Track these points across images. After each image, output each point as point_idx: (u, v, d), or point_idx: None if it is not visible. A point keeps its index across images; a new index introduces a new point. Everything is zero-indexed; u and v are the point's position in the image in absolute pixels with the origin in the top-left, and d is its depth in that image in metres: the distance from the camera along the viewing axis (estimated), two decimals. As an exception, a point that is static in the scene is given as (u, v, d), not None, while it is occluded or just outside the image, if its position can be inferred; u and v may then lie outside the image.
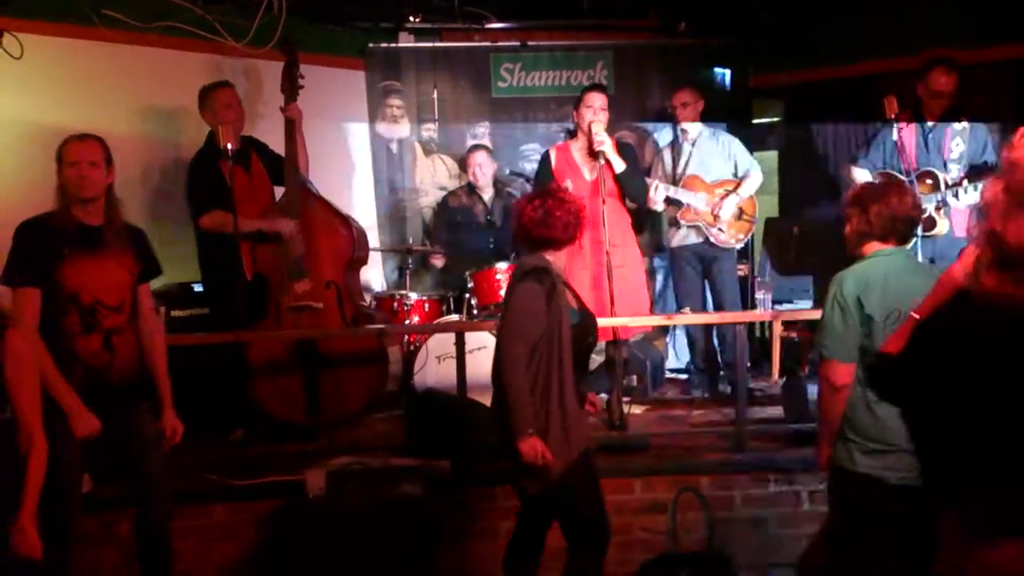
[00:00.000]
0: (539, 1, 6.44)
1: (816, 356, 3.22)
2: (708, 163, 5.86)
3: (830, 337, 3.08)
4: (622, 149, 5.11)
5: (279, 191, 5.31)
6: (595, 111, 5.00)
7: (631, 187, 5.12)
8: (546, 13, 6.64)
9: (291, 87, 5.24)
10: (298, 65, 5.28)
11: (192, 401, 4.89)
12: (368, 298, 5.96)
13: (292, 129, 5.19)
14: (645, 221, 6.69)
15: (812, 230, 6.00)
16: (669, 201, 5.81)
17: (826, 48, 6.50)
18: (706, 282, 5.91)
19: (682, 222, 5.84)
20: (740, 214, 5.79)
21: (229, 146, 4.71)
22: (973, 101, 5.56)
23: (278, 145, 5.29)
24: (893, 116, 5.05)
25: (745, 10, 6.56)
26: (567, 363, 3.41)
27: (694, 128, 5.91)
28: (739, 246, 5.86)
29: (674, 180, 5.86)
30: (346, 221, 5.35)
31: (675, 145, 5.98)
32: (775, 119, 7.22)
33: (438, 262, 6.24)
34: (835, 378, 3.09)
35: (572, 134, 5.44)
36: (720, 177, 5.84)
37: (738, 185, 5.80)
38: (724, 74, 6.93)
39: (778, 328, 5.83)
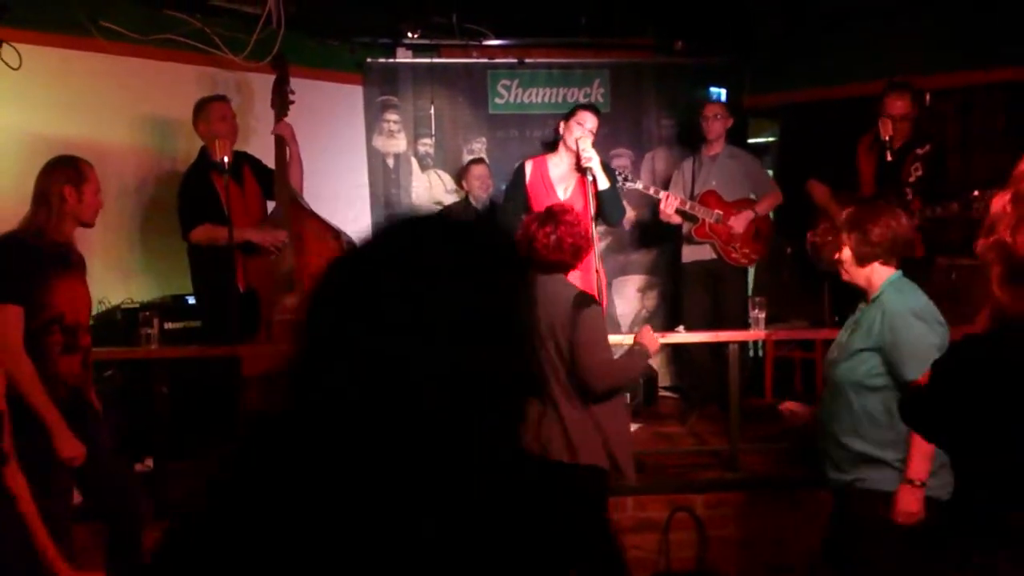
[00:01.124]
0: (537, 19, 6.46)
1: (880, 385, 3.10)
2: (727, 181, 5.84)
3: (928, 360, 2.96)
4: (606, 170, 5.08)
5: (271, 206, 5.31)
6: (585, 131, 4.97)
7: (611, 207, 5.03)
8: (544, 31, 6.67)
9: (281, 103, 5.23)
10: (288, 80, 5.27)
11: (184, 414, 4.91)
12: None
13: (282, 145, 5.19)
14: (655, 237, 6.73)
15: (805, 250, 6.00)
16: (684, 216, 5.80)
17: (822, 69, 6.54)
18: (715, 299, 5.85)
19: (695, 239, 5.84)
20: (756, 233, 5.79)
21: (225, 159, 4.73)
22: (969, 123, 5.60)
23: (271, 159, 5.30)
24: (888, 138, 5.06)
25: (742, 30, 6.59)
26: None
27: (716, 145, 5.90)
28: (752, 266, 5.83)
29: (691, 195, 5.85)
30: (337, 235, 5.34)
31: (696, 160, 5.97)
32: (770, 139, 7.26)
33: None
34: None
35: (552, 147, 5.40)
36: (739, 196, 5.84)
37: (756, 204, 5.81)
38: (720, 93, 6.95)
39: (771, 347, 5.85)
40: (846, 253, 3.17)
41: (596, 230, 4.89)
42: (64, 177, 3.51)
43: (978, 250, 1.89)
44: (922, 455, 3.00)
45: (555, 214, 3.64)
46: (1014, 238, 1.79)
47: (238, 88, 5.85)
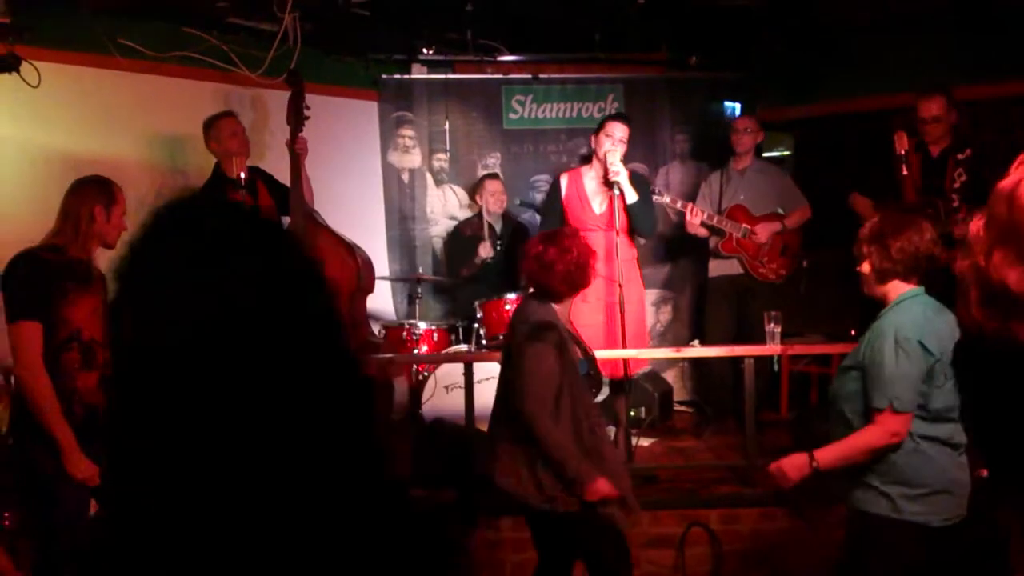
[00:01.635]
0: (551, 34, 6.48)
1: (860, 407, 3.06)
2: (756, 195, 5.83)
3: (901, 388, 2.95)
4: (636, 181, 5.09)
5: (285, 221, 5.34)
6: (614, 141, 4.98)
7: (642, 219, 5.09)
8: (558, 46, 6.69)
9: (297, 118, 5.28)
10: (303, 96, 5.31)
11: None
12: (377, 327, 5.96)
13: (298, 160, 5.23)
14: (670, 250, 6.73)
15: (821, 263, 5.99)
16: (711, 230, 5.79)
17: (836, 82, 6.54)
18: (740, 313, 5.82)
19: (722, 253, 5.83)
20: (784, 249, 5.77)
21: (242, 175, 4.77)
22: (982, 137, 5.57)
23: (286, 175, 5.33)
24: (903, 152, 5.05)
25: (755, 45, 6.60)
26: (593, 414, 3.44)
27: (744, 158, 5.89)
28: (779, 281, 5.80)
29: (719, 208, 5.84)
30: (351, 251, 5.36)
31: (724, 173, 5.95)
32: (785, 152, 7.25)
33: (485, 250, 6.06)
34: (904, 430, 2.97)
35: (586, 160, 5.43)
36: (767, 210, 5.82)
37: (784, 218, 5.80)
38: (734, 108, 6.96)
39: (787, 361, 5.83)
40: (866, 267, 3.11)
41: (620, 243, 4.91)
42: (95, 197, 3.54)
43: (956, 270, 1.91)
44: (840, 452, 3.05)
45: (556, 236, 3.50)
46: (987, 262, 1.79)
47: (253, 105, 5.90)
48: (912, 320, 3.00)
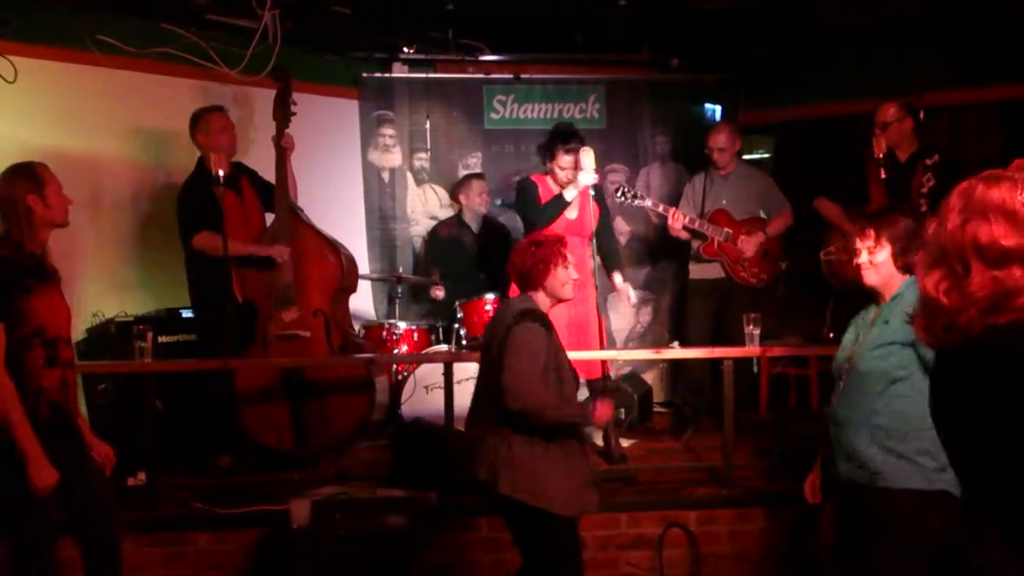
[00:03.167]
0: (533, 34, 6.48)
1: (895, 376, 3.15)
2: (738, 199, 5.83)
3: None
4: (597, 194, 5.14)
5: (269, 218, 5.32)
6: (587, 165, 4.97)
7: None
8: (540, 46, 6.69)
9: (283, 115, 5.26)
10: (290, 92, 5.29)
11: (179, 427, 4.90)
12: (357, 326, 5.95)
13: (284, 157, 5.20)
14: (652, 252, 6.74)
15: (799, 266, 6.02)
16: (692, 233, 5.80)
17: (816, 86, 6.58)
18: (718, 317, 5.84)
19: (704, 257, 5.83)
20: (765, 254, 5.79)
21: (220, 172, 4.75)
22: (962, 142, 5.61)
23: (267, 172, 5.31)
24: (881, 155, 5.08)
25: (737, 48, 6.62)
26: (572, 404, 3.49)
27: (728, 164, 5.87)
28: (760, 286, 5.80)
29: (701, 212, 5.84)
30: (335, 249, 5.34)
31: (707, 177, 5.93)
32: (764, 155, 7.28)
33: (439, 293, 6.13)
34: None
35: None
36: (749, 215, 5.84)
37: (767, 224, 5.81)
38: (715, 110, 6.99)
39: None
40: (881, 257, 3.19)
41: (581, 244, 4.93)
42: (24, 187, 3.40)
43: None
44: None
45: (544, 240, 3.65)
46: (923, 281, 1.92)
47: (236, 101, 5.86)
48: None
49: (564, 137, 5.14)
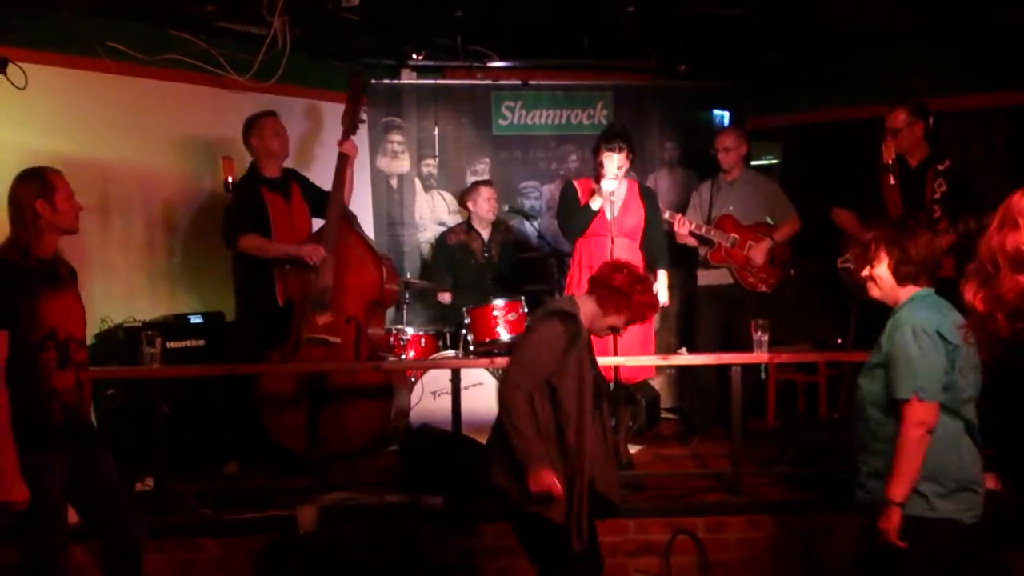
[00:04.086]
0: (541, 41, 6.49)
1: (880, 400, 3.09)
2: (745, 205, 5.84)
3: (924, 377, 2.98)
4: (645, 194, 5.22)
5: (317, 224, 5.37)
6: (614, 176, 5.04)
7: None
8: (547, 53, 6.70)
9: (351, 121, 5.36)
10: (360, 99, 5.40)
11: (186, 433, 4.91)
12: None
13: (344, 163, 5.27)
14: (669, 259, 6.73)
15: (808, 272, 6.01)
16: (700, 239, 5.80)
17: (823, 92, 6.56)
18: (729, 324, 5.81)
19: (711, 263, 5.83)
20: (773, 260, 5.78)
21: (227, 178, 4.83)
22: (967, 148, 5.59)
23: (316, 180, 5.42)
24: (890, 161, 5.06)
25: (744, 53, 6.62)
26: (590, 418, 3.36)
27: (734, 169, 5.89)
28: (768, 291, 5.79)
29: (708, 218, 5.85)
30: (378, 260, 5.36)
31: (714, 183, 5.96)
32: (772, 161, 7.27)
33: (445, 298, 6.17)
34: (932, 419, 2.98)
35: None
36: (756, 221, 5.84)
37: (774, 230, 5.81)
38: (723, 115, 6.98)
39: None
40: (881, 270, 3.16)
41: (614, 249, 4.93)
42: (33, 192, 3.41)
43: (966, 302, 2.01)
44: (902, 475, 3.00)
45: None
46: (963, 289, 1.95)
47: (240, 109, 5.86)
48: (928, 312, 3.06)
49: (607, 136, 5.24)
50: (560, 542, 3.34)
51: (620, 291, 3.45)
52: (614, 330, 3.56)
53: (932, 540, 3.03)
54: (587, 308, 3.46)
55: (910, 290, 3.15)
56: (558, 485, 3.24)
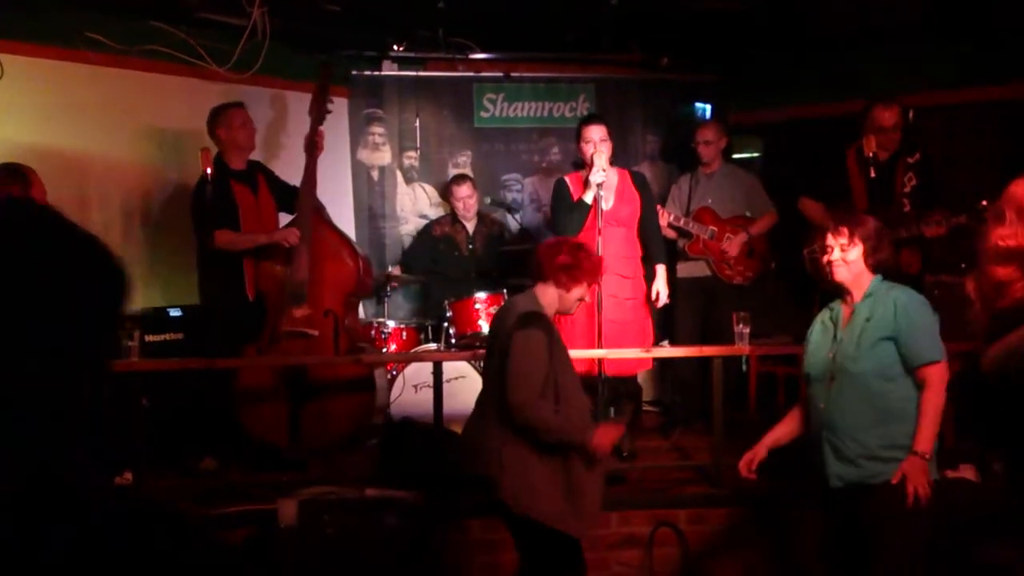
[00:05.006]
0: (523, 33, 6.47)
1: (898, 371, 3.24)
2: (723, 198, 5.87)
3: (938, 340, 3.21)
4: (639, 183, 5.17)
5: (283, 219, 5.32)
6: (595, 144, 4.94)
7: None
8: (530, 45, 6.68)
9: (319, 111, 5.30)
10: (328, 91, 5.34)
11: (164, 426, 4.87)
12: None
13: (314, 153, 5.24)
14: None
15: (788, 265, 6.02)
16: (678, 232, 5.80)
17: (807, 87, 6.59)
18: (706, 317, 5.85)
19: (689, 255, 5.84)
20: (751, 252, 5.80)
21: (208, 170, 4.79)
22: (955, 143, 5.62)
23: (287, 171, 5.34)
24: (871, 155, 5.09)
25: (728, 47, 6.62)
26: (578, 410, 3.45)
27: (713, 163, 5.92)
28: (746, 284, 5.83)
29: (687, 211, 5.87)
30: (354, 252, 5.33)
31: (693, 176, 5.99)
32: (754, 155, 7.28)
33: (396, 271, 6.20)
34: (948, 377, 3.22)
35: (579, 166, 5.40)
36: (734, 214, 5.85)
37: (751, 223, 5.82)
38: (705, 109, 6.99)
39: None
40: (854, 255, 3.28)
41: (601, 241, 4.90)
42: (7, 185, 3.41)
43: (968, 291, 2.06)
44: (928, 428, 3.17)
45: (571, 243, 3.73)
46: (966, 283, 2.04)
47: (226, 100, 5.83)
48: (906, 290, 3.32)
49: (584, 119, 5.29)
50: (556, 535, 3.39)
51: (570, 265, 3.51)
52: (582, 300, 3.64)
53: (934, 502, 3.16)
54: (548, 296, 3.53)
55: (870, 277, 3.32)
56: (610, 432, 3.45)
